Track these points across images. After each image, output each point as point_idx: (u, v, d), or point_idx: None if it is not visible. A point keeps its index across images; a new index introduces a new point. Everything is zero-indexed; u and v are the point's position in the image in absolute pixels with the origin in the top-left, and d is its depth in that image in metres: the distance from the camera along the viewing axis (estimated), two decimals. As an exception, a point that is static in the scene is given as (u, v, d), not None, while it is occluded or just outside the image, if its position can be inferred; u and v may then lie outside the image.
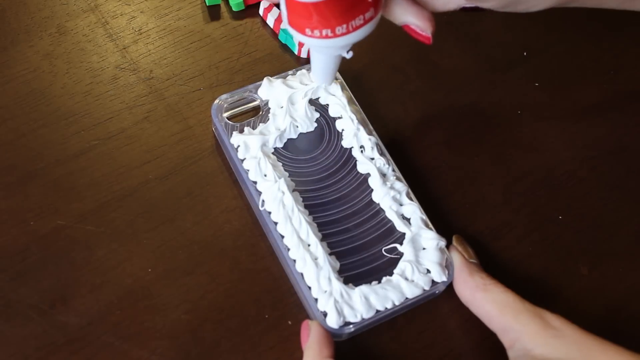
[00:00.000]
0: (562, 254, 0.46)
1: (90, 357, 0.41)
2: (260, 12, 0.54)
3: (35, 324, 0.41)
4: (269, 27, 0.53)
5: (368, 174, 0.46)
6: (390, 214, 0.44)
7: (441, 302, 0.43)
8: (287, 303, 0.43)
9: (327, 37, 0.40)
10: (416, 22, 0.42)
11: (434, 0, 0.42)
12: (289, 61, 0.52)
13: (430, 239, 0.43)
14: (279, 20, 0.53)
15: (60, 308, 0.42)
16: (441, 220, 0.45)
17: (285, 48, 0.53)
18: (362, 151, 0.46)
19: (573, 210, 0.48)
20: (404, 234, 0.43)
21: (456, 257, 0.43)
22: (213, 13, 0.54)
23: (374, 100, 0.51)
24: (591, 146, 0.50)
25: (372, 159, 0.46)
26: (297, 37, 0.41)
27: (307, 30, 0.40)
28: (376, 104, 0.51)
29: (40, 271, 0.43)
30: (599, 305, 0.44)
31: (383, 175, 0.45)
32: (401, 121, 0.50)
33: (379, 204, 0.45)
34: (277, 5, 0.54)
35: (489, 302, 0.40)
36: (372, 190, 0.45)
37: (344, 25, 0.39)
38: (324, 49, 0.43)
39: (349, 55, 0.43)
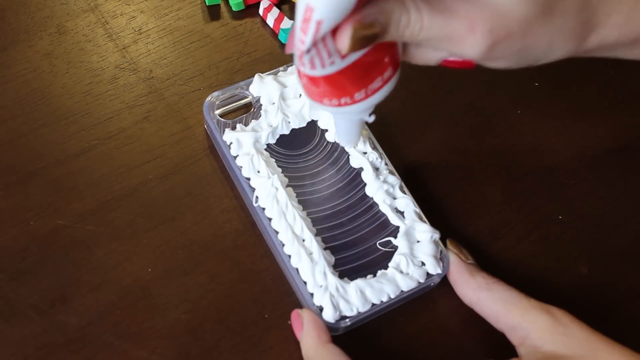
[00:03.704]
0: (562, 254, 0.46)
1: (90, 357, 0.41)
2: (260, 12, 0.54)
3: (35, 323, 0.41)
4: (269, 27, 0.53)
5: (361, 168, 0.46)
6: (384, 208, 0.44)
7: (441, 302, 0.43)
8: (286, 303, 0.43)
9: (346, 104, 0.38)
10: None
11: (413, 56, 0.39)
12: (289, 61, 0.52)
13: (424, 232, 0.43)
14: (278, 20, 0.53)
15: (60, 308, 0.42)
16: (441, 220, 0.45)
17: (285, 48, 0.53)
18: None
19: (573, 210, 0.48)
20: (398, 227, 0.44)
21: (454, 260, 0.42)
22: (213, 13, 0.54)
23: (373, 100, 0.51)
24: (591, 146, 0.50)
25: (365, 153, 0.46)
26: (316, 106, 0.39)
27: (325, 100, 0.38)
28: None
29: (40, 271, 0.43)
30: (599, 305, 0.44)
31: (376, 169, 0.45)
32: (401, 121, 0.50)
33: (372, 198, 0.45)
34: (277, 5, 0.54)
35: (494, 301, 0.40)
36: (365, 184, 0.45)
37: (362, 91, 0.37)
38: (345, 115, 0.41)
39: (371, 119, 0.40)
